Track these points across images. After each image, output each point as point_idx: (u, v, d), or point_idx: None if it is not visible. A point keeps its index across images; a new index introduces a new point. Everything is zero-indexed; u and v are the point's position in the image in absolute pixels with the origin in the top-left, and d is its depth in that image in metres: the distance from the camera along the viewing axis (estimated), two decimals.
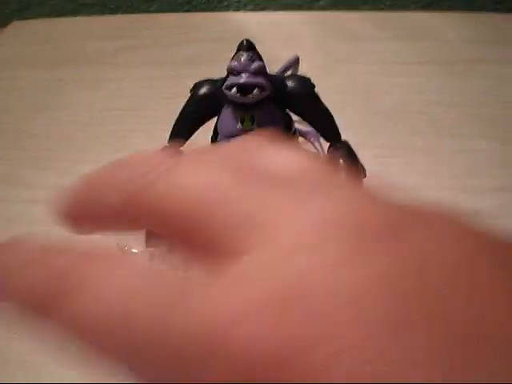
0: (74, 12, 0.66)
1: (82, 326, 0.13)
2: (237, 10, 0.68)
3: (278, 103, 0.34)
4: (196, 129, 0.36)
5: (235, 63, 0.33)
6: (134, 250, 0.28)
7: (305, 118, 0.36)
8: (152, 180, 0.15)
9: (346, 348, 0.10)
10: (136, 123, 0.47)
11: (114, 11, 0.68)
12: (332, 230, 0.12)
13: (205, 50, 0.56)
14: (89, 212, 0.17)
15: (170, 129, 0.36)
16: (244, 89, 0.32)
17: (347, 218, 0.13)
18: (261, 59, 0.34)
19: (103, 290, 0.13)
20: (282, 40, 0.56)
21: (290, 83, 0.34)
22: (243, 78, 0.32)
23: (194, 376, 0.11)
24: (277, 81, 0.34)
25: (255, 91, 0.32)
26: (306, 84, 0.35)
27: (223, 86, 0.33)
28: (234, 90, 0.32)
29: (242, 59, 0.33)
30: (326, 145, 0.36)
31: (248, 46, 0.34)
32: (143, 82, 0.52)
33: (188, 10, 0.67)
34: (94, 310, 0.13)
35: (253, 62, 0.33)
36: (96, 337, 0.13)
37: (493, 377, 0.10)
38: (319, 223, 0.13)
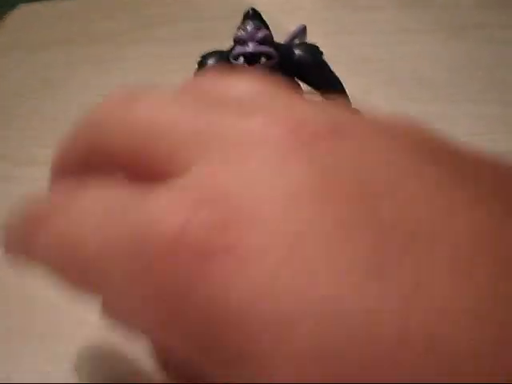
0: None
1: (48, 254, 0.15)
2: None
3: (286, 72, 0.34)
4: None
5: (241, 32, 0.33)
6: None
7: (314, 86, 0.36)
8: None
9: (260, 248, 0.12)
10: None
11: None
12: (271, 136, 0.13)
13: (213, 25, 0.56)
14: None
15: None
16: (251, 58, 0.32)
17: (286, 124, 0.14)
18: (267, 28, 0.33)
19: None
20: (282, 12, 0.56)
21: (297, 51, 0.34)
22: (250, 47, 0.32)
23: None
24: (284, 49, 0.34)
25: (262, 60, 0.32)
26: (314, 51, 0.35)
27: (230, 56, 0.33)
28: (241, 59, 0.32)
29: (248, 28, 0.33)
30: None
31: (254, 15, 0.33)
32: (154, 60, 0.52)
33: None
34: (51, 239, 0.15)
35: (259, 30, 0.33)
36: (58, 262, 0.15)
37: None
38: (259, 133, 0.14)
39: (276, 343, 0.11)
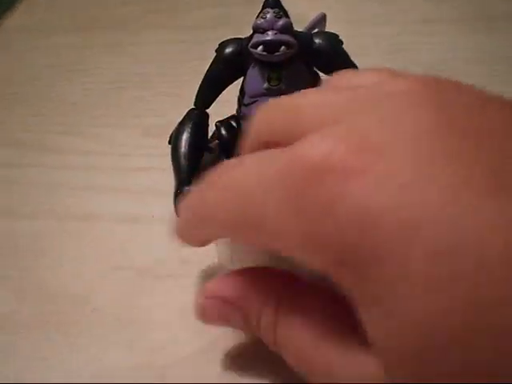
0: None
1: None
2: None
3: (306, 61, 0.34)
4: (222, 89, 0.36)
5: (261, 21, 0.32)
6: None
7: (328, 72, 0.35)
8: None
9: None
10: (161, 87, 0.46)
11: None
12: (406, 89, 0.17)
13: (231, 11, 0.56)
14: None
15: (194, 91, 0.36)
16: (271, 46, 0.32)
17: (416, 81, 0.18)
18: (287, 16, 0.33)
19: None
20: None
21: (317, 40, 0.34)
22: (270, 36, 0.32)
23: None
24: (304, 38, 0.33)
25: (282, 49, 0.32)
26: (334, 40, 0.34)
27: (249, 45, 0.32)
28: (261, 47, 0.32)
29: (268, 16, 0.32)
30: None
31: (274, 3, 0.33)
32: (168, 46, 0.52)
33: None
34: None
35: (279, 18, 0.32)
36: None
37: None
38: (395, 88, 0.18)
39: (407, 243, 0.14)
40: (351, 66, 0.34)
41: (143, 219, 0.34)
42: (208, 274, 0.30)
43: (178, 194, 0.33)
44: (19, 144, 0.42)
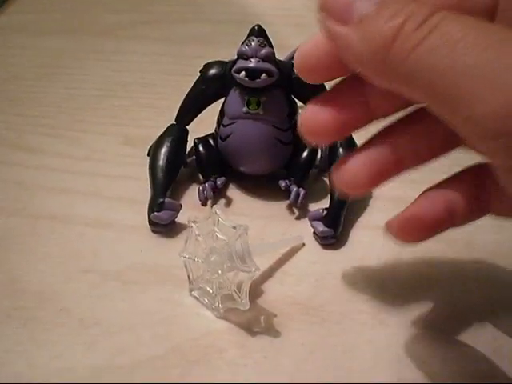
0: None
1: None
2: None
3: (285, 89, 0.36)
4: (203, 108, 0.38)
5: (246, 48, 0.34)
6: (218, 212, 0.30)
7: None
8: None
9: None
10: (143, 98, 0.48)
11: None
12: None
13: (215, 29, 0.58)
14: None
15: (177, 104, 0.38)
16: (252, 73, 0.34)
17: None
18: (271, 45, 0.35)
19: None
20: (292, 25, 0.58)
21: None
22: (252, 63, 0.34)
23: None
24: (285, 67, 0.36)
25: (263, 76, 0.34)
26: None
27: (232, 69, 0.35)
28: (243, 73, 0.34)
29: (253, 44, 0.34)
30: None
31: (259, 32, 0.35)
32: (153, 58, 0.54)
33: None
34: None
35: (263, 47, 0.34)
36: None
37: None
38: None
39: None
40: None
41: (115, 225, 0.36)
42: (174, 284, 0.32)
43: (153, 204, 0.35)
44: None
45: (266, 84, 0.35)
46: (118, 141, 0.43)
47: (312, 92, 0.37)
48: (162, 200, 0.35)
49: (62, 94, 0.49)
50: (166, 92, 0.49)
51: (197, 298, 0.31)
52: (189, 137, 0.39)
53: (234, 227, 0.29)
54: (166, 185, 0.36)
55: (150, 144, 0.39)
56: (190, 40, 0.56)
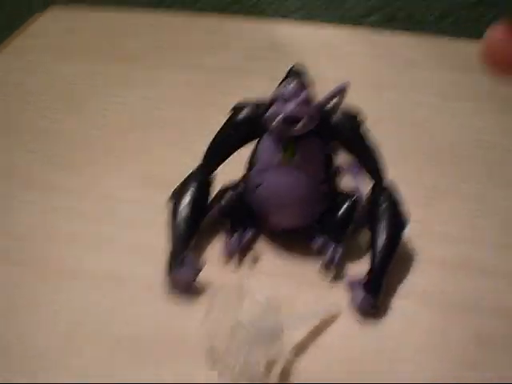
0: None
1: None
2: (284, 16, 0.66)
3: (323, 135, 0.33)
4: (231, 153, 0.35)
5: (283, 90, 0.31)
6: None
7: (349, 152, 0.34)
8: None
9: None
10: (167, 133, 0.45)
11: (159, 3, 0.68)
12: None
13: (244, 57, 0.55)
14: None
15: (201, 141, 0.34)
16: (290, 119, 0.31)
17: None
18: (310, 87, 0.32)
19: None
20: (328, 56, 0.55)
21: (337, 118, 0.33)
22: (290, 108, 0.31)
23: None
24: (324, 113, 0.32)
25: (301, 123, 0.31)
26: (354, 121, 0.33)
27: (267, 114, 0.31)
28: (280, 119, 0.31)
29: (291, 86, 0.31)
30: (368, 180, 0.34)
31: (298, 73, 0.32)
32: (181, 88, 0.51)
33: (236, 11, 0.66)
34: None
35: (302, 90, 0.31)
36: None
37: None
38: None
39: None
40: (369, 148, 0.33)
41: (128, 282, 0.32)
42: (192, 357, 0.28)
43: (172, 260, 0.31)
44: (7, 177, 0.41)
45: (304, 131, 0.31)
46: (135, 181, 0.40)
47: (352, 141, 0.34)
48: (182, 256, 0.31)
49: (78, 127, 0.46)
50: (192, 128, 0.45)
51: (219, 375, 0.27)
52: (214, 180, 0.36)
53: (264, 301, 0.26)
54: (188, 239, 0.33)
55: (171, 187, 0.36)
56: (218, 69, 0.53)
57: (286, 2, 0.67)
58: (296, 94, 0.31)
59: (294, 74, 0.32)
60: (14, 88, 0.51)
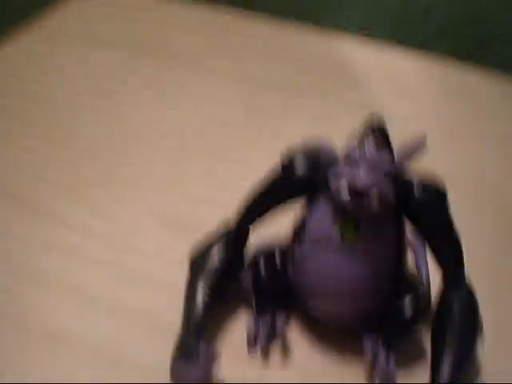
0: None
1: None
2: (344, 29, 0.59)
3: (398, 214, 0.25)
4: (274, 211, 0.27)
5: (357, 151, 0.24)
6: None
7: (425, 234, 0.27)
8: None
9: None
10: (196, 164, 0.37)
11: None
12: None
13: (296, 73, 0.47)
14: None
15: (237, 182, 0.28)
16: (359, 193, 0.23)
17: None
18: (391, 150, 0.25)
19: None
20: (390, 84, 0.47)
21: (419, 194, 0.25)
22: (362, 179, 0.23)
23: None
24: (403, 187, 0.25)
25: (374, 200, 0.23)
26: (439, 200, 0.26)
27: (331, 176, 0.24)
28: (345, 188, 0.23)
29: (368, 149, 0.24)
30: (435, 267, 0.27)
31: (379, 132, 0.25)
32: (220, 102, 0.43)
33: (294, 18, 0.58)
34: None
35: (381, 155, 0.24)
36: None
37: None
38: None
39: None
40: (451, 232, 0.26)
41: (123, 365, 0.26)
42: None
43: (181, 348, 0.24)
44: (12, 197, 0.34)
45: (373, 212, 0.24)
46: (151, 221, 0.33)
47: (432, 221, 0.26)
48: (195, 345, 0.24)
49: (90, 140, 0.39)
50: (229, 159, 0.38)
51: None
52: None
53: None
54: (205, 323, 0.26)
55: (195, 234, 0.28)
56: (266, 84, 0.46)
57: (348, 15, 0.59)
58: (373, 159, 0.24)
59: (374, 132, 0.25)
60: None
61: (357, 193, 0.23)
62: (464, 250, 0.26)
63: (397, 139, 0.25)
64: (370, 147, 0.24)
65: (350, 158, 0.24)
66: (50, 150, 0.37)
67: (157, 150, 0.38)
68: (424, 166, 0.26)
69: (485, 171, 0.39)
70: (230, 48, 0.50)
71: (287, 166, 0.26)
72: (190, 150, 0.38)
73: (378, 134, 0.25)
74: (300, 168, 0.26)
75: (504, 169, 0.40)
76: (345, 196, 0.23)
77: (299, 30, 0.53)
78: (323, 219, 0.25)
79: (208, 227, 0.28)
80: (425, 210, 0.25)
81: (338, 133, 0.27)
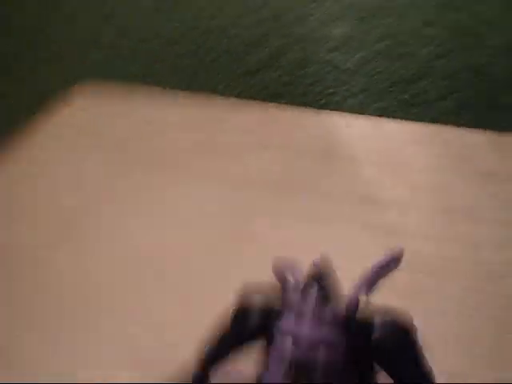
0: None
1: None
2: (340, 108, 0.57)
3: (356, 357, 0.23)
4: (237, 349, 0.26)
5: (297, 298, 0.23)
6: None
7: (389, 374, 0.25)
8: None
9: None
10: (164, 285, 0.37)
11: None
12: None
13: (286, 164, 0.45)
14: None
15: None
16: (302, 345, 0.22)
17: None
18: (337, 295, 0.23)
19: None
20: (385, 162, 0.44)
21: (379, 333, 0.23)
22: (305, 330, 0.22)
23: None
24: (360, 330, 0.23)
25: (321, 352, 0.22)
26: (401, 335, 0.24)
27: (276, 331, 0.23)
28: (289, 340, 0.22)
29: (311, 298, 0.22)
30: None
31: (321, 276, 0.23)
32: (211, 200, 0.42)
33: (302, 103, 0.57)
34: None
35: (326, 302, 0.22)
36: None
37: None
38: None
39: None
40: (420, 368, 0.23)
41: None
42: None
43: None
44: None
45: (324, 361, 0.22)
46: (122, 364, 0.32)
47: (396, 363, 0.24)
48: None
49: (66, 267, 0.38)
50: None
51: None
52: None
53: None
54: None
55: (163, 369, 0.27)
56: (250, 182, 0.44)
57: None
58: (317, 308, 0.22)
59: (317, 277, 0.23)
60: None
61: (297, 343, 0.22)
62: None
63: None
64: (314, 298, 0.23)
65: (291, 307, 0.23)
66: None
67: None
68: None
69: None
70: (214, 147, 0.49)
71: (238, 314, 0.25)
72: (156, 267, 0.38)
73: (323, 282, 0.23)
74: (247, 318, 0.24)
75: None
76: (288, 345, 0.22)
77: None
78: (276, 372, 0.24)
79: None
80: (386, 351, 0.23)
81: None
